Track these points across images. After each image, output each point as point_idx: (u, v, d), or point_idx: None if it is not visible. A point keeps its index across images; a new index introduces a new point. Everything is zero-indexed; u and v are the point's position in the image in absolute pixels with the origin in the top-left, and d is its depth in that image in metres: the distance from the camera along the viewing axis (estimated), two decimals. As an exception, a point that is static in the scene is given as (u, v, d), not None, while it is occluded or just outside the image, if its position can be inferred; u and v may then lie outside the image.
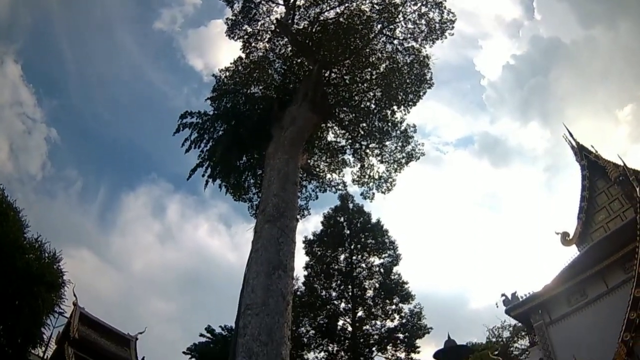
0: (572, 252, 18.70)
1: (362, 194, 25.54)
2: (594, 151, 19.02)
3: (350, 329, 34.19)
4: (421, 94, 17.15)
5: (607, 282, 15.36)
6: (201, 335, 32.78)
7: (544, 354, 16.27)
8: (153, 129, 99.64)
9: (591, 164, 19.21)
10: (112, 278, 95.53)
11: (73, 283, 17.43)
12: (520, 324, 26.56)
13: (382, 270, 35.78)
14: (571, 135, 20.31)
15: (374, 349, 33.93)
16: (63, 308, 17.70)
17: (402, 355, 33.56)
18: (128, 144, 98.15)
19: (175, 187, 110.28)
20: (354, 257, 36.51)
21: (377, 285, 35.44)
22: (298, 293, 33.48)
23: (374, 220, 37.30)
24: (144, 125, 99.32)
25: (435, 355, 7.34)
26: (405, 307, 34.54)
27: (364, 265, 36.36)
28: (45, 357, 20.55)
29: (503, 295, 17.53)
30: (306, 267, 36.24)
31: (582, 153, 19.69)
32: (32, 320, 14.81)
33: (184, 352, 32.72)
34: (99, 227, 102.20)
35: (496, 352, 24.95)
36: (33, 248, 15.97)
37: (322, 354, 34.11)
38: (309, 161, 18.54)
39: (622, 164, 15.50)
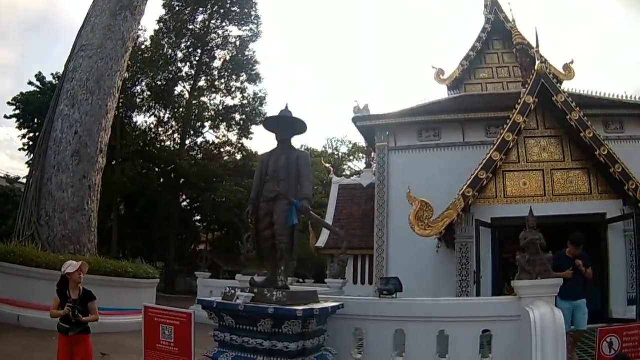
0: (442, 93, 18.17)
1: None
2: (510, 12, 16.85)
3: (187, 97, 32.58)
4: None
5: (466, 135, 15.24)
6: (30, 83, 27.67)
7: (378, 178, 16.09)
8: None
9: (497, 22, 17.85)
10: None
11: None
12: (360, 144, 26.87)
13: (238, 43, 33.46)
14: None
15: (206, 124, 33.25)
16: None
17: (234, 138, 33.49)
18: None
19: None
20: (212, 22, 33.24)
21: (228, 57, 33.42)
22: (142, 47, 30.33)
23: (243, -12, 33.28)
24: None
25: (265, 122, 6.23)
26: (250, 89, 33.73)
27: (220, 32, 33.54)
28: None
29: (355, 102, 16.42)
30: (159, 21, 32.27)
31: (493, 7, 18.16)
32: None
33: (8, 103, 27.76)
34: None
35: (329, 165, 25.29)
36: None
37: (153, 118, 32.60)
38: None
39: (532, 38, 13.81)
